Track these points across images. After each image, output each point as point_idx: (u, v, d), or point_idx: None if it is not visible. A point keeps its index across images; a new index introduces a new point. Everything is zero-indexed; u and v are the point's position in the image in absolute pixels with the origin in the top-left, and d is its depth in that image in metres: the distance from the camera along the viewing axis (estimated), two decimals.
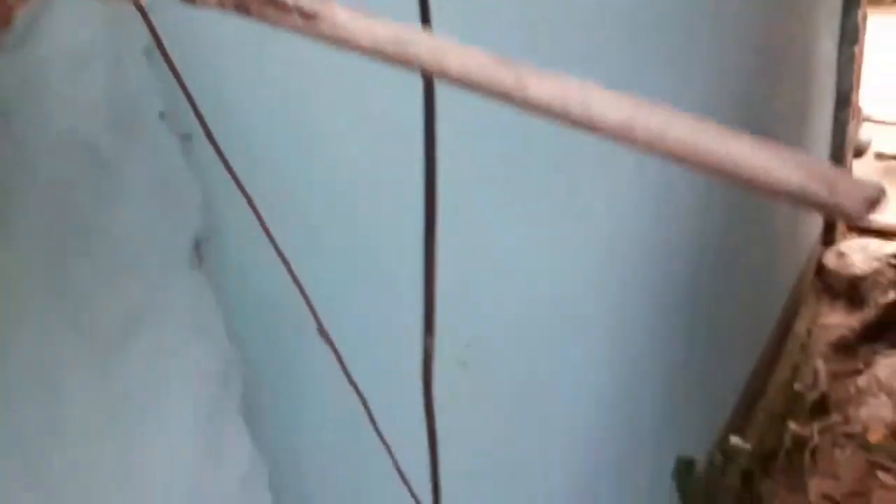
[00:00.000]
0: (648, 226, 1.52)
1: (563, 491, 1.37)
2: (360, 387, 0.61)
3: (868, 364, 2.72)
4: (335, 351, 0.58)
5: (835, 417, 2.53)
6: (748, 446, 2.06)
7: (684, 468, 1.80)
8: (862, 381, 2.65)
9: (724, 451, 2.04)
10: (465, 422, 1.04)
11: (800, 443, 2.40)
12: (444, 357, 0.98)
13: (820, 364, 2.72)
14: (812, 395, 2.58)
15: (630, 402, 1.59)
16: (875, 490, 2.30)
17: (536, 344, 1.19)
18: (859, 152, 3.79)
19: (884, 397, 2.57)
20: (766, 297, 2.60)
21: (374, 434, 0.63)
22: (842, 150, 3.24)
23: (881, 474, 2.34)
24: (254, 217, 0.61)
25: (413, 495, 0.62)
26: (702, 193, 1.78)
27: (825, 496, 2.29)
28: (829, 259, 3.14)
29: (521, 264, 1.11)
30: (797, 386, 2.61)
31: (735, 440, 2.04)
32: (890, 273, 3.04)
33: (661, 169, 1.53)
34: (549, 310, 1.22)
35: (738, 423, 2.25)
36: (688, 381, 1.92)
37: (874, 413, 2.52)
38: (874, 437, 2.46)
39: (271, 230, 0.61)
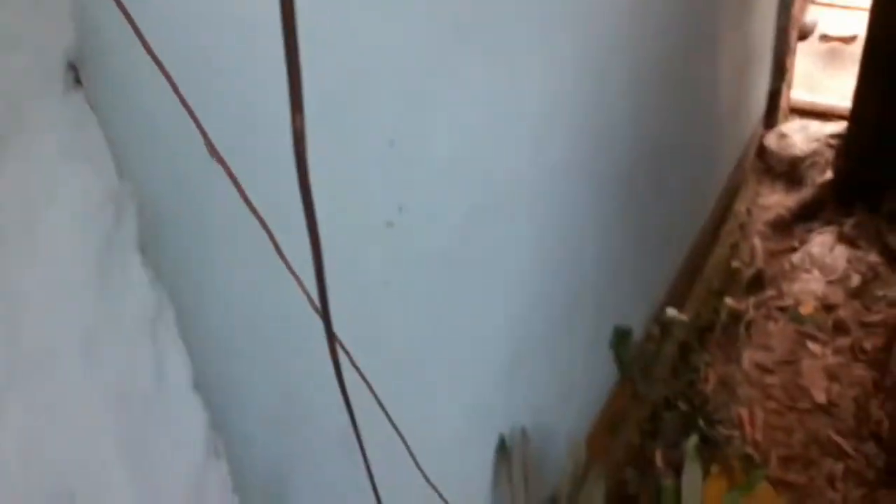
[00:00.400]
0: (587, 97, 1.49)
1: (498, 358, 1.38)
2: (260, 209, 0.57)
3: (803, 241, 2.79)
4: (228, 171, 0.55)
5: (769, 292, 2.61)
6: (684, 318, 2.11)
7: (621, 338, 1.84)
8: (796, 257, 2.72)
9: (662, 323, 2.09)
10: (396, 284, 1.03)
11: (735, 317, 2.48)
12: (373, 219, 0.95)
13: (757, 242, 2.78)
14: (749, 272, 2.65)
15: (567, 273, 1.60)
16: (804, 358, 2.40)
17: (469, 210, 1.17)
18: (804, 34, 3.78)
19: (816, 272, 2.65)
20: (707, 178, 2.62)
21: (278, 260, 0.61)
22: (786, 31, 3.22)
23: (810, 344, 2.44)
24: (135, 36, 0.56)
25: (320, 315, 0.60)
26: (643, 69, 1.75)
27: (758, 365, 2.38)
28: (771, 140, 3.16)
29: (454, 125, 1.07)
30: (735, 263, 2.68)
31: (671, 312, 2.09)
32: (828, 153, 3.08)
33: (600, 42, 1.49)
34: (483, 176, 1.19)
35: (676, 298, 2.30)
36: (626, 255, 1.94)
37: (806, 287, 2.61)
38: (805, 309, 2.54)
39: (156, 52, 0.56)
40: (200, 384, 0.72)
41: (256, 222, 0.59)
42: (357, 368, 0.75)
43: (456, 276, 1.18)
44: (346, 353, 0.71)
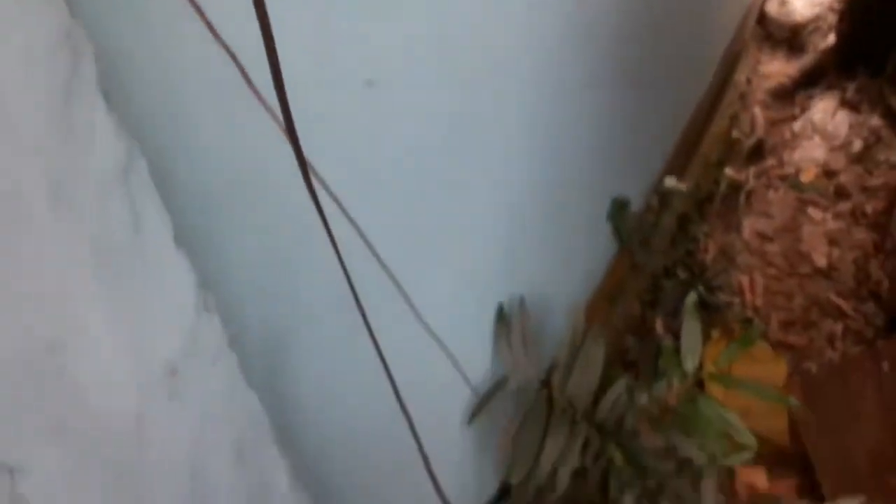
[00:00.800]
0: None
1: (494, 226, 1.38)
2: (229, 43, 0.55)
3: (804, 109, 2.74)
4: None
5: (770, 161, 2.58)
6: (683, 187, 2.09)
7: (618, 208, 1.83)
8: (797, 125, 2.67)
9: (660, 194, 2.07)
10: (382, 147, 1.01)
11: (735, 187, 2.46)
12: (350, 77, 0.93)
13: (758, 111, 2.73)
14: (749, 142, 2.61)
15: (563, 143, 1.57)
16: (804, 225, 2.40)
17: (456, 71, 1.14)
18: None
19: (817, 139, 2.61)
20: (705, 47, 2.55)
21: (252, 102, 0.59)
22: None
23: (811, 210, 2.43)
24: None
25: (294, 148, 0.59)
26: None
27: (758, 234, 2.38)
28: (771, 7, 3.06)
29: None
30: (734, 134, 2.63)
31: (670, 181, 2.07)
32: (831, 18, 2.98)
33: None
34: (470, 36, 1.15)
35: (675, 171, 2.28)
36: (624, 126, 1.90)
37: (807, 155, 2.58)
38: (806, 177, 2.52)
39: None
40: (183, 240, 0.71)
41: (226, 61, 0.56)
42: (339, 204, 0.74)
43: (446, 141, 1.15)
44: (325, 186, 0.69)
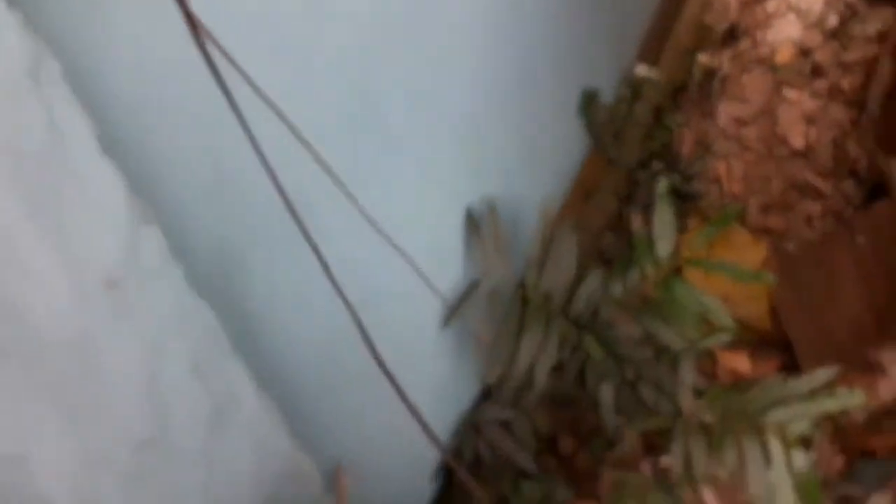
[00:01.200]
0: None
1: (457, 122, 1.34)
2: None
3: None
4: None
5: (744, 44, 2.51)
6: (655, 75, 2.04)
7: (588, 100, 1.78)
8: (771, 4, 2.59)
9: (632, 85, 2.02)
10: (309, 32, 0.95)
11: (710, 73, 2.40)
12: None
13: None
14: (722, 26, 2.53)
15: (527, 32, 1.51)
16: (780, 106, 2.36)
17: None
18: None
19: (791, 17, 2.54)
20: None
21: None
22: None
23: (787, 91, 2.38)
24: None
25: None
26: None
27: (734, 119, 2.34)
28: None
29: None
30: (707, 18, 2.56)
31: (642, 69, 2.01)
32: None
33: None
34: None
35: (647, 61, 2.21)
36: (590, 12, 1.84)
37: (782, 34, 2.51)
38: (782, 57, 2.46)
39: None
40: (114, 149, 0.68)
41: None
42: (250, 82, 0.70)
43: (397, 29, 1.10)
44: (228, 57, 0.66)
